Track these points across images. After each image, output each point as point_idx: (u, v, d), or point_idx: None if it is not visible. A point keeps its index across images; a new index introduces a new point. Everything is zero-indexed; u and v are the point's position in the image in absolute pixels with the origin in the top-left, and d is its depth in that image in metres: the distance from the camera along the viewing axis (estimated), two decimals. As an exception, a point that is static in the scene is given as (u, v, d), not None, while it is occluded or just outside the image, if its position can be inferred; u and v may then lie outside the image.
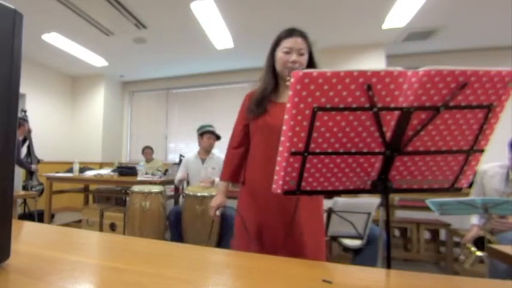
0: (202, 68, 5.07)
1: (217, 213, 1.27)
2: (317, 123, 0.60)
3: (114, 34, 3.83)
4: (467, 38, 3.78)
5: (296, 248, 1.06)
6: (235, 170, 1.25)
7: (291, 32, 1.12)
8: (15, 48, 0.43)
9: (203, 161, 2.86)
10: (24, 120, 3.86)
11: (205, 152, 2.89)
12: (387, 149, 0.64)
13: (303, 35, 1.12)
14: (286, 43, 1.10)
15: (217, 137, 2.91)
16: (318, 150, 0.64)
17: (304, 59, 1.11)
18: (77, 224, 3.76)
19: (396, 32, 3.65)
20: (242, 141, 1.24)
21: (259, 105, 1.14)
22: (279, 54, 1.12)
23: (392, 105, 0.60)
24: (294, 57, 1.09)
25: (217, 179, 2.72)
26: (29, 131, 3.95)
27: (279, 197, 1.08)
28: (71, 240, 0.70)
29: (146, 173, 3.44)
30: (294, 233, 1.07)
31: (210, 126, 2.92)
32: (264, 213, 1.12)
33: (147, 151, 4.63)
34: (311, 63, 1.15)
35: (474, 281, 0.50)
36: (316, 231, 1.12)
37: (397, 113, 0.61)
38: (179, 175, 2.91)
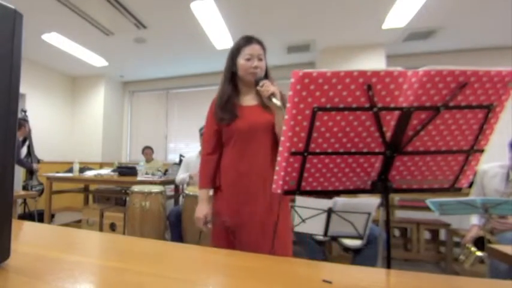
0: (202, 68, 5.07)
1: (209, 225, 1.25)
2: (317, 123, 0.60)
3: (114, 34, 3.83)
4: (467, 38, 3.78)
5: (268, 248, 1.09)
6: (213, 176, 1.27)
7: (249, 40, 1.19)
8: (15, 48, 0.43)
9: None
10: (25, 120, 3.86)
11: None
12: (387, 149, 0.64)
13: (259, 42, 1.20)
14: (247, 50, 1.18)
15: None
16: (318, 150, 0.64)
17: (264, 63, 1.19)
18: (77, 224, 3.76)
19: (396, 32, 3.65)
20: (215, 147, 1.27)
21: (227, 111, 1.21)
22: (241, 61, 1.18)
23: (392, 105, 0.60)
24: (255, 63, 1.16)
25: None
26: (29, 131, 3.95)
27: (252, 200, 1.14)
28: (71, 240, 0.70)
29: (146, 173, 3.44)
30: (264, 235, 1.12)
31: None
32: (237, 215, 1.17)
33: (147, 151, 4.63)
34: (266, 68, 1.23)
35: (474, 281, 0.50)
36: (284, 232, 1.17)
37: (397, 113, 0.61)
38: (181, 176, 2.89)
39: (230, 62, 1.23)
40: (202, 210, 1.25)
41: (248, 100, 1.23)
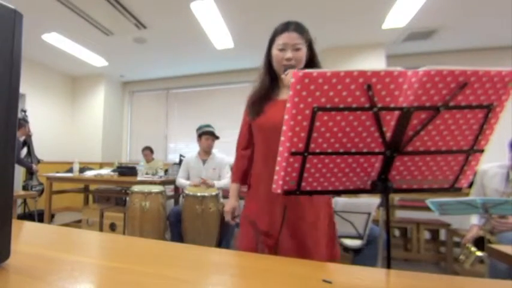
0: (202, 68, 5.07)
1: (237, 220, 1.23)
2: (317, 123, 0.60)
3: (114, 34, 3.83)
4: (467, 38, 3.78)
5: (294, 247, 1.05)
6: (245, 172, 1.23)
7: (285, 27, 1.06)
8: (15, 48, 0.43)
9: (204, 161, 2.85)
10: (25, 121, 3.86)
11: (205, 152, 2.87)
12: (387, 149, 0.64)
13: (298, 28, 1.06)
14: (281, 39, 1.06)
15: (216, 137, 2.89)
16: (318, 150, 0.64)
17: (301, 54, 1.06)
18: (77, 224, 3.76)
19: (396, 32, 3.65)
20: (249, 142, 1.22)
21: (256, 105, 1.12)
22: (275, 51, 1.08)
23: (392, 105, 0.60)
24: (288, 54, 1.04)
25: (216, 182, 2.71)
26: (29, 133, 3.95)
27: (279, 196, 1.08)
28: (71, 240, 0.70)
29: (146, 173, 3.44)
30: (289, 232, 1.05)
31: (208, 126, 2.89)
32: (262, 211, 1.11)
33: (146, 152, 4.59)
34: (312, 58, 1.11)
35: (474, 281, 0.50)
36: (317, 232, 1.08)
37: (397, 113, 0.61)
38: (182, 181, 2.87)
39: (267, 51, 1.12)
40: (231, 203, 1.23)
41: (283, 94, 1.11)
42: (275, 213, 1.07)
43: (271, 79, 1.14)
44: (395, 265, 0.69)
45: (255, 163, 1.19)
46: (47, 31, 3.78)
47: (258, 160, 1.16)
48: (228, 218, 1.24)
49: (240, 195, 1.29)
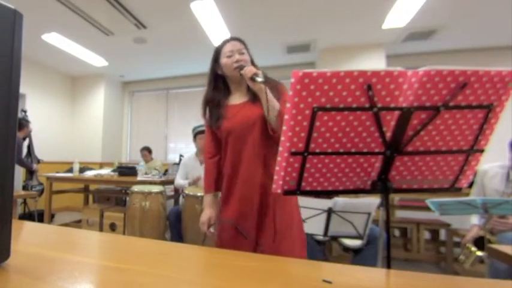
0: (202, 68, 5.02)
1: (211, 229, 1.24)
2: (317, 123, 0.60)
3: (114, 34, 3.83)
4: (467, 38, 3.78)
5: (269, 246, 1.09)
6: (216, 180, 1.26)
7: (226, 40, 1.21)
8: (15, 48, 0.43)
9: (201, 162, 2.85)
10: (26, 121, 3.86)
11: (202, 152, 2.86)
12: (387, 149, 0.64)
13: (237, 38, 1.21)
14: (226, 48, 1.18)
15: None
16: (318, 150, 0.64)
17: (247, 57, 1.17)
18: (77, 224, 3.76)
19: (396, 32, 3.65)
20: (215, 150, 1.27)
21: (214, 114, 1.21)
22: (223, 60, 1.17)
23: (392, 105, 0.60)
24: (236, 57, 1.15)
25: None
26: (30, 132, 3.95)
27: (253, 197, 1.11)
28: (71, 240, 0.70)
29: (146, 173, 3.44)
30: (264, 234, 1.10)
31: (200, 126, 2.86)
32: (239, 214, 1.15)
33: (144, 153, 4.56)
34: (253, 63, 1.20)
35: (474, 281, 0.50)
36: (288, 229, 1.13)
37: (397, 113, 0.61)
38: (180, 182, 2.86)
39: (213, 64, 1.23)
40: (206, 214, 1.24)
41: (237, 98, 1.21)
42: (251, 216, 1.13)
43: (222, 87, 1.24)
44: (395, 265, 0.69)
45: (225, 168, 1.22)
46: (47, 31, 3.78)
47: (228, 164, 1.20)
48: (203, 228, 1.24)
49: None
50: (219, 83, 1.23)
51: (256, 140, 1.13)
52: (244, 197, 1.14)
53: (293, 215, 1.17)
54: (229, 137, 1.17)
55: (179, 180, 2.88)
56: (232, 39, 1.20)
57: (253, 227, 1.12)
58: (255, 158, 1.13)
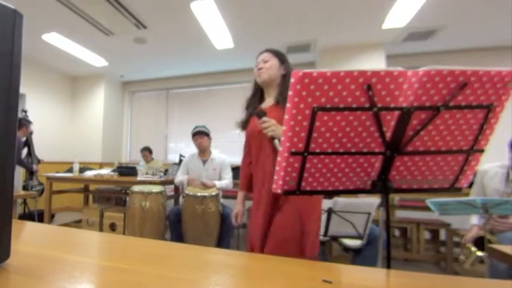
0: (202, 68, 5.07)
1: (238, 220, 1.46)
2: (317, 123, 0.60)
3: (114, 34, 3.83)
4: (467, 38, 3.78)
5: (278, 246, 1.13)
6: (248, 180, 1.40)
7: (259, 54, 1.34)
8: (15, 48, 0.43)
9: (204, 162, 2.84)
10: (27, 121, 3.86)
11: (204, 152, 2.86)
12: (387, 149, 0.64)
13: (267, 50, 1.33)
14: (256, 61, 1.32)
15: (206, 134, 2.83)
16: (318, 150, 0.64)
17: (268, 64, 1.28)
18: (77, 224, 3.76)
19: (396, 32, 3.65)
20: (248, 153, 1.40)
21: (245, 118, 1.35)
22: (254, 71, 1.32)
23: (392, 105, 0.60)
24: (259, 65, 1.28)
25: (217, 182, 2.70)
26: (31, 132, 3.95)
27: (268, 197, 1.16)
28: (71, 240, 0.70)
29: (146, 173, 3.44)
30: (274, 233, 1.15)
31: (198, 127, 2.86)
32: (255, 213, 1.25)
33: (145, 153, 4.56)
34: (285, 74, 1.29)
35: (474, 281, 0.50)
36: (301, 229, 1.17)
37: (397, 113, 0.61)
38: (180, 178, 2.86)
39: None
40: (236, 209, 1.48)
41: (266, 103, 1.31)
42: (260, 215, 1.20)
43: (258, 94, 1.37)
44: (395, 265, 0.69)
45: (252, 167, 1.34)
46: (47, 31, 3.78)
47: (253, 164, 1.33)
48: (233, 221, 1.49)
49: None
50: (257, 90, 1.37)
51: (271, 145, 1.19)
52: (259, 199, 1.24)
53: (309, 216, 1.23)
54: (250, 141, 1.32)
55: (179, 176, 2.88)
56: (263, 51, 1.33)
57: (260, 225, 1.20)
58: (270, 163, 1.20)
